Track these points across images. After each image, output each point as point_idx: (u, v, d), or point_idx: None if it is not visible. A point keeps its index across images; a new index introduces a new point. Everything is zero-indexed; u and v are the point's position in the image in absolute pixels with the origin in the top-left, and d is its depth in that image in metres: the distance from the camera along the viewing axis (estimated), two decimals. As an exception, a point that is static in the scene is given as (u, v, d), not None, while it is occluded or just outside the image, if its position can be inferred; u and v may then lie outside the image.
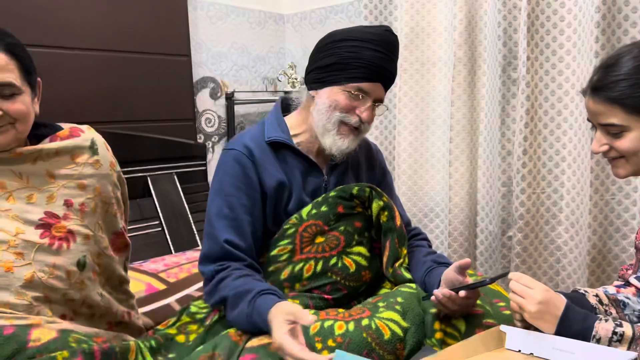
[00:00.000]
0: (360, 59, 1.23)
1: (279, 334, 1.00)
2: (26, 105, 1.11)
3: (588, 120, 1.09)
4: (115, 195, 1.28)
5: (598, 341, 0.96)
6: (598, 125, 1.04)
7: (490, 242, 2.18)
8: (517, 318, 1.08)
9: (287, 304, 1.08)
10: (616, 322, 0.97)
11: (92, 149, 1.24)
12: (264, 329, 1.07)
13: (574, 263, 1.95)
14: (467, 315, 1.17)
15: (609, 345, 0.95)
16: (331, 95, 1.26)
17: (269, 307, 1.07)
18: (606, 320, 0.97)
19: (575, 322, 0.98)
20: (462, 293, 1.10)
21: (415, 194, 2.38)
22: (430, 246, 1.45)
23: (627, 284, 1.21)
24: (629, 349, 0.94)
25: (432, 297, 1.14)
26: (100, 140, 1.27)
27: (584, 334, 0.97)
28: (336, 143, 1.26)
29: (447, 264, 1.27)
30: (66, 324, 1.10)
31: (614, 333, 0.95)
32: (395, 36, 1.30)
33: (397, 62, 1.31)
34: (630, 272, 1.23)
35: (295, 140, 1.32)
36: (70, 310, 1.15)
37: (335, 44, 1.27)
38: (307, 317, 0.99)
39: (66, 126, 1.24)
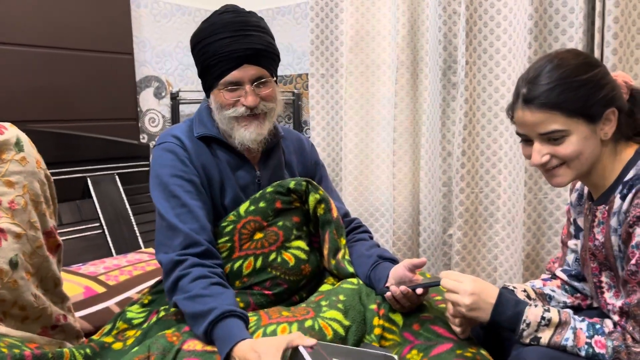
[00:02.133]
0: (213, 56, 1.22)
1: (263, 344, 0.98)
2: None
3: (517, 134, 1.09)
4: (43, 194, 1.24)
5: (528, 325, 1.01)
6: (537, 136, 1.04)
7: (433, 240, 2.24)
8: (455, 323, 1.11)
9: (259, 342, 1.03)
10: (545, 308, 1.03)
11: (18, 145, 1.20)
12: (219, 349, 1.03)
13: (510, 259, 2.03)
14: (405, 313, 1.21)
15: (537, 330, 1.01)
16: (215, 99, 1.27)
17: (236, 339, 1.02)
18: (536, 306, 1.03)
19: (508, 308, 1.03)
20: (419, 291, 1.14)
21: (361, 194, 2.42)
22: (371, 238, 1.46)
23: (554, 276, 1.28)
24: (554, 333, 1.00)
25: (388, 293, 1.17)
26: (25, 138, 1.23)
27: (516, 318, 1.02)
28: (244, 136, 1.25)
29: (391, 259, 1.30)
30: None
31: (542, 318, 1.01)
32: (236, 12, 1.26)
33: (256, 31, 1.25)
34: (556, 264, 1.30)
35: (224, 136, 1.31)
36: (0, 311, 1.11)
37: (194, 50, 1.28)
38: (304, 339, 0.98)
39: None
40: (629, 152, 1.06)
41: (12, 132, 1.20)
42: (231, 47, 1.21)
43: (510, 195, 2.01)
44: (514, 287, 1.23)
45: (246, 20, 1.25)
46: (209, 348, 1.04)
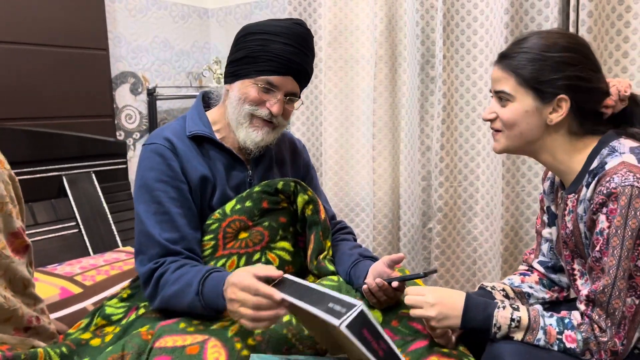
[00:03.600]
0: (268, 52, 1.23)
1: (238, 274, 1.02)
2: None
3: (490, 91, 1.14)
4: (8, 194, 1.21)
5: (499, 329, 1.02)
6: (494, 92, 1.10)
7: (413, 235, 2.25)
8: (436, 335, 1.11)
9: (252, 266, 1.08)
10: (513, 306, 1.03)
11: None
12: (220, 307, 1.06)
13: (489, 252, 2.05)
14: (383, 310, 1.21)
15: (508, 332, 1.01)
16: (242, 89, 1.25)
17: (222, 278, 1.06)
18: (504, 308, 1.03)
19: (477, 313, 1.04)
20: (394, 284, 1.15)
21: (341, 189, 2.42)
22: (355, 240, 1.48)
23: (531, 269, 1.29)
24: (525, 334, 1.01)
25: (364, 286, 1.18)
26: None
27: (487, 321, 1.03)
28: (249, 136, 1.26)
29: (372, 258, 1.31)
30: None
31: (512, 320, 1.02)
32: (307, 30, 1.29)
33: (311, 55, 1.30)
34: (532, 256, 1.31)
35: (218, 135, 1.30)
36: None
37: (247, 37, 1.26)
38: (277, 272, 1.02)
39: None
40: (593, 143, 1.07)
41: None
42: (290, 55, 1.23)
43: (489, 189, 2.03)
44: (493, 287, 1.24)
45: (310, 42, 1.29)
46: (179, 343, 1.03)
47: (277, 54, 1.23)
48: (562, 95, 1.03)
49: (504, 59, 1.08)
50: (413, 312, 1.07)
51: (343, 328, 0.82)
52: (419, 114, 2.12)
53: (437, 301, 1.05)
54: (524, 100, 1.05)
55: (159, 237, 1.19)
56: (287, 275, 1.02)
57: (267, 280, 1.01)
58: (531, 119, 1.05)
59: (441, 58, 1.99)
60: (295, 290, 0.97)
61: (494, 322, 1.02)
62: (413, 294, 1.08)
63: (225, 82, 1.31)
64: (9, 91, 2.07)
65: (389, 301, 1.20)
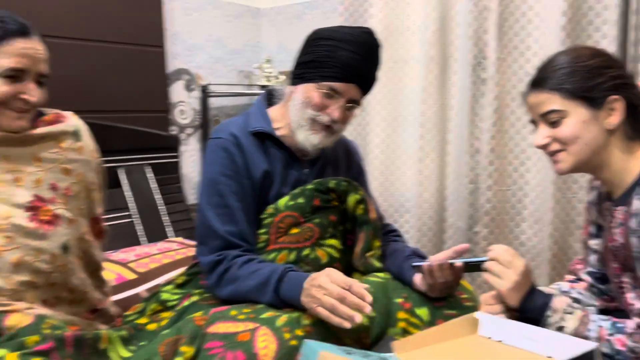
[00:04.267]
0: (334, 59, 1.24)
1: (331, 270, 1.08)
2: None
3: (531, 122, 1.14)
4: (96, 182, 1.30)
5: (554, 312, 1.03)
6: (539, 117, 1.09)
7: (458, 238, 2.23)
8: (485, 298, 1.12)
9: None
10: (570, 301, 1.04)
11: (76, 135, 1.26)
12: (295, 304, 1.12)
13: (536, 259, 2.02)
14: (431, 307, 1.22)
15: (562, 318, 1.02)
16: (305, 92, 1.28)
17: (302, 278, 1.12)
18: (561, 298, 1.04)
19: (538, 298, 1.06)
20: (457, 263, 1.15)
21: (386, 190, 2.42)
22: (404, 242, 1.49)
23: (579, 278, 1.27)
24: (579, 324, 1.01)
25: (425, 263, 1.19)
26: (84, 128, 1.29)
27: (543, 307, 1.04)
28: (308, 139, 1.29)
29: (424, 257, 1.31)
30: (44, 310, 1.11)
31: (569, 305, 1.03)
32: (375, 39, 1.30)
33: (377, 65, 1.31)
34: (579, 266, 1.29)
35: (278, 133, 1.34)
36: (52, 295, 1.16)
37: (316, 42, 1.29)
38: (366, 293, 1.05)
39: (50, 111, 1.26)
40: None
41: (72, 121, 1.26)
42: (356, 63, 1.25)
43: (539, 194, 1.99)
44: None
45: (377, 51, 1.31)
46: (231, 330, 1.07)
47: (343, 61, 1.24)
48: (613, 96, 1.02)
49: (540, 82, 1.08)
50: (497, 269, 1.07)
51: None
52: (469, 116, 2.11)
53: (525, 272, 1.05)
54: (577, 112, 1.04)
55: (219, 230, 1.24)
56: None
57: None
58: (591, 127, 1.04)
59: (494, 60, 1.97)
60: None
61: (550, 304, 1.03)
62: (509, 254, 1.07)
63: (290, 84, 1.34)
64: (71, 85, 2.17)
65: (444, 287, 1.20)
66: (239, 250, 1.25)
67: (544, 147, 1.09)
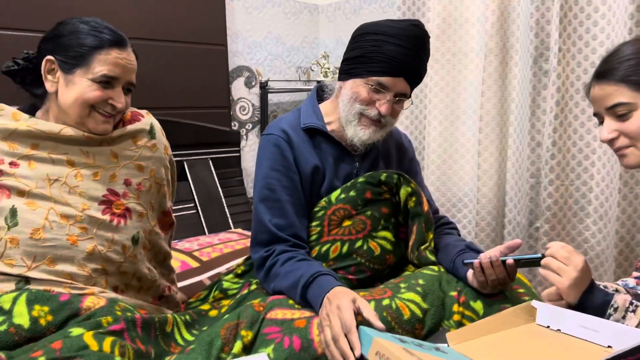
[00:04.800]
0: (381, 53, 1.25)
1: (344, 299, 1.03)
2: None
3: (594, 115, 1.10)
4: (166, 177, 1.37)
5: (616, 310, 0.99)
6: (605, 111, 1.05)
7: (518, 233, 2.19)
8: (548, 293, 1.09)
9: (355, 294, 1.09)
10: (633, 299, 1.00)
11: (151, 133, 1.33)
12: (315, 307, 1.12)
13: (601, 256, 1.95)
14: (486, 300, 1.21)
15: (624, 317, 0.98)
16: (353, 87, 1.30)
17: (328, 286, 1.10)
18: (624, 294, 1.01)
19: (598, 296, 1.02)
20: (509, 261, 1.13)
21: (444, 184, 2.40)
22: (459, 235, 1.48)
23: (646, 276, 1.23)
24: None
25: (476, 261, 1.16)
26: (157, 125, 1.36)
27: (604, 305, 1.01)
28: (357, 133, 1.31)
29: (478, 251, 1.30)
30: (115, 295, 1.19)
31: (631, 303, 0.99)
32: (423, 31, 1.29)
33: (425, 57, 1.31)
34: (647, 263, 1.24)
35: (329, 127, 1.37)
36: (122, 282, 1.24)
37: (362, 37, 1.30)
38: (376, 319, 1.01)
39: (127, 110, 1.33)
40: None
41: (147, 119, 1.34)
42: (403, 57, 1.25)
43: (604, 189, 1.92)
44: (605, 286, 1.19)
45: (425, 43, 1.30)
46: (288, 316, 1.11)
47: (390, 55, 1.25)
48: None
49: (605, 74, 1.04)
50: (550, 262, 1.03)
51: None
52: (530, 109, 2.05)
53: (583, 268, 1.01)
54: None
55: (268, 223, 1.28)
56: (366, 331, 1.00)
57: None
58: None
59: (556, 51, 1.91)
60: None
61: (612, 302, 1.00)
62: (564, 249, 1.04)
63: (339, 79, 1.36)
64: (140, 82, 2.27)
65: (497, 284, 1.18)
66: (286, 245, 1.28)
67: (610, 142, 1.05)
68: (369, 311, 1.03)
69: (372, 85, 1.27)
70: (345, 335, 0.99)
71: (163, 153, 1.35)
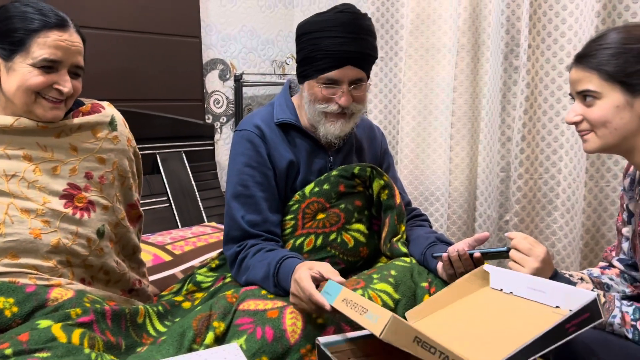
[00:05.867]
0: (321, 50, 1.25)
1: (301, 271, 1.09)
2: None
3: (569, 94, 1.12)
4: (131, 169, 1.35)
5: None
6: (576, 94, 1.07)
7: (488, 226, 2.23)
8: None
9: (316, 262, 1.15)
10: (594, 287, 1.04)
11: (112, 125, 1.30)
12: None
13: (568, 247, 2.00)
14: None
15: None
16: (309, 90, 1.31)
17: (292, 267, 1.14)
18: (586, 283, 1.04)
19: (561, 282, 1.05)
20: (476, 255, 1.17)
21: (416, 178, 2.43)
22: (430, 227, 1.50)
23: (611, 265, 1.27)
24: (602, 310, 1.01)
25: (444, 254, 1.20)
26: (119, 117, 1.33)
27: None
28: (328, 130, 1.31)
29: (448, 243, 1.33)
30: (83, 287, 1.18)
31: (592, 291, 1.02)
32: (353, 13, 1.28)
33: (366, 35, 1.28)
34: (613, 253, 1.28)
35: (302, 122, 1.37)
36: (89, 275, 1.22)
37: (301, 38, 1.31)
38: (337, 276, 1.07)
39: (87, 101, 1.30)
40: None
41: (108, 111, 1.31)
42: (340, 47, 1.25)
43: (571, 183, 1.97)
44: (570, 275, 1.23)
45: (360, 24, 1.28)
46: (260, 307, 1.12)
47: (329, 50, 1.25)
48: None
49: (583, 58, 1.05)
50: (514, 255, 1.08)
51: (384, 337, 0.85)
52: (501, 104, 2.09)
53: (545, 259, 1.06)
54: (612, 96, 1.02)
55: (240, 220, 1.29)
56: (330, 282, 1.06)
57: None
58: (623, 113, 1.02)
59: (526, 47, 1.95)
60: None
61: None
62: (528, 242, 1.08)
63: (299, 82, 1.37)
64: (111, 74, 2.25)
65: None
66: (258, 239, 1.28)
67: (574, 124, 1.08)
68: (327, 271, 1.08)
69: (323, 83, 1.28)
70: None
71: (126, 145, 1.33)
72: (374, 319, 0.85)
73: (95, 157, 1.25)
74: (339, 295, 0.98)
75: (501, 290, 1.07)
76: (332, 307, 1.00)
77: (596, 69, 1.03)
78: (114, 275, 1.28)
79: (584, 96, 1.05)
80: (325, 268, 1.10)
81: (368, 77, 1.33)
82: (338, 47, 1.25)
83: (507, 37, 2.04)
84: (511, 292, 1.04)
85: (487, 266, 1.10)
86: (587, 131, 1.07)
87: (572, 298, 0.91)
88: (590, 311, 0.84)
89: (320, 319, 1.10)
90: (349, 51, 1.25)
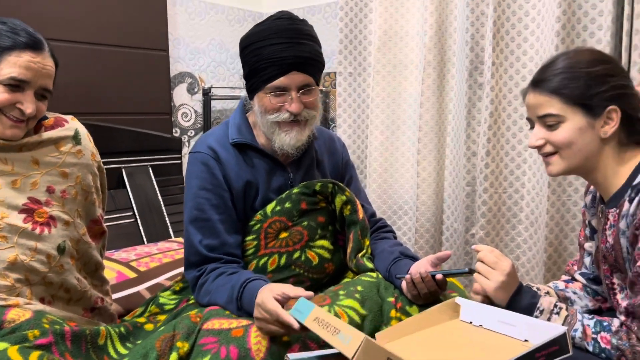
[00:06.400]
0: (263, 60, 1.25)
1: (263, 294, 1.08)
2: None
3: (527, 119, 1.14)
4: (94, 184, 1.32)
5: (541, 312, 1.05)
6: (536, 118, 1.09)
7: (455, 240, 2.26)
8: (477, 290, 1.14)
9: (278, 284, 1.13)
10: (557, 299, 1.07)
11: (76, 139, 1.28)
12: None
13: (532, 260, 2.04)
14: (421, 305, 1.24)
15: (549, 318, 1.05)
16: (259, 102, 1.29)
17: (256, 289, 1.12)
18: (550, 296, 1.07)
19: (525, 298, 1.08)
20: (438, 276, 1.17)
21: (385, 192, 2.45)
22: (395, 238, 1.50)
23: (574, 279, 1.30)
24: (564, 323, 1.04)
25: (407, 276, 1.20)
26: (83, 131, 1.31)
27: (531, 307, 1.07)
28: (284, 141, 1.28)
29: (413, 257, 1.33)
30: (42, 306, 1.14)
31: (555, 305, 1.05)
32: (289, 18, 1.28)
33: (307, 39, 1.27)
34: (575, 267, 1.31)
35: (258, 140, 1.35)
36: (49, 294, 1.19)
37: (244, 52, 1.30)
38: (303, 291, 1.06)
39: (51, 115, 1.28)
40: (637, 156, 1.07)
41: (71, 125, 1.29)
42: (282, 53, 1.23)
43: (534, 197, 2.02)
44: (538, 288, 1.25)
45: (299, 28, 1.27)
46: (225, 326, 1.10)
47: (271, 58, 1.24)
48: (612, 106, 1.03)
49: (541, 83, 1.07)
50: (482, 269, 1.10)
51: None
52: (466, 120, 2.13)
53: (510, 272, 1.07)
54: (574, 119, 1.05)
55: (198, 245, 1.26)
56: (302, 300, 1.05)
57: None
58: (586, 135, 1.05)
59: (490, 65, 2.00)
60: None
61: (538, 304, 1.06)
62: (494, 255, 1.10)
63: (249, 98, 1.34)
64: (77, 87, 2.22)
65: (429, 296, 1.22)
66: (219, 263, 1.26)
67: (537, 147, 1.10)
68: (291, 290, 1.08)
69: (271, 92, 1.26)
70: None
71: (90, 159, 1.31)
72: (346, 340, 0.85)
73: (58, 171, 1.22)
74: (311, 313, 0.98)
75: (471, 322, 1.08)
76: (302, 326, 0.99)
77: (557, 93, 1.05)
78: (75, 293, 1.25)
79: (546, 120, 1.07)
80: (287, 288, 1.09)
81: (317, 83, 1.32)
82: (280, 53, 1.23)
83: (472, 54, 2.09)
84: (481, 325, 1.05)
85: (458, 298, 1.11)
86: (551, 154, 1.09)
87: (541, 332, 0.93)
88: (559, 344, 0.87)
89: (287, 336, 1.09)
90: (291, 56, 1.24)
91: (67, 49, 2.18)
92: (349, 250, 1.36)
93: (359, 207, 1.36)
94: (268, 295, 1.07)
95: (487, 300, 1.13)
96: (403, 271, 1.26)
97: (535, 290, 1.24)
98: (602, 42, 1.79)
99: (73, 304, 1.25)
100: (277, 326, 1.05)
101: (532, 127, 1.13)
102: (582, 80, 1.04)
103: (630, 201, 1.02)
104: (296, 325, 1.00)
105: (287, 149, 1.30)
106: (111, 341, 1.15)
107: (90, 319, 1.29)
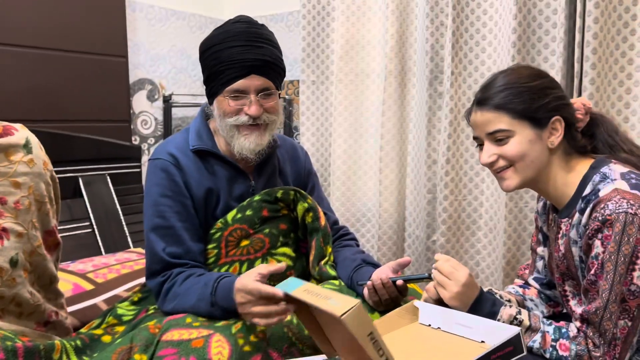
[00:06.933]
0: (222, 63, 1.24)
1: (242, 278, 1.09)
2: None
3: (474, 138, 1.16)
4: (48, 194, 1.27)
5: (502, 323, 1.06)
6: (486, 135, 1.11)
7: (417, 246, 2.29)
8: (431, 295, 1.15)
9: (251, 270, 1.14)
10: (518, 309, 1.09)
11: (27, 147, 1.23)
12: (235, 309, 1.12)
13: (491, 266, 2.08)
14: (383, 312, 1.25)
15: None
16: (218, 105, 1.28)
17: (231, 283, 1.12)
18: (510, 307, 1.08)
19: (485, 307, 1.09)
20: (399, 282, 1.19)
21: (348, 200, 2.47)
22: (358, 245, 1.51)
23: (527, 285, 1.33)
24: (524, 335, 1.05)
25: (369, 282, 1.21)
26: (34, 140, 1.26)
27: (491, 316, 1.08)
28: (243, 145, 1.27)
29: (375, 264, 1.34)
30: None
31: (515, 318, 1.07)
32: (247, 22, 1.28)
33: (265, 43, 1.27)
34: (527, 271, 1.34)
35: (219, 147, 1.33)
36: None
37: (202, 56, 1.30)
38: (277, 265, 1.10)
39: None
40: (583, 165, 1.10)
41: (22, 133, 1.23)
42: (241, 56, 1.23)
43: (492, 203, 2.06)
44: (501, 296, 1.27)
45: (258, 32, 1.27)
46: (185, 337, 1.08)
47: (229, 60, 1.23)
48: (556, 116, 1.08)
49: (486, 101, 1.10)
50: (436, 276, 1.11)
51: (344, 318, 0.86)
52: (427, 128, 2.17)
53: (466, 282, 1.09)
54: (524, 132, 1.07)
55: (161, 253, 1.24)
56: (292, 278, 1.07)
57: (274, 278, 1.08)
58: (536, 146, 1.08)
59: (449, 74, 2.04)
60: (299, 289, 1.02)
61: (497, 317, 1.07)
62: (450, 265, 1.11)
63: (209, 103, 1.33)
64: (31, 93, 2.15)
65: (390, 302, 1.23)
66: (184, 267, 1.24)
67: (490, 164, 1.12)
68: (264, 268, 1.11)
69: (230, 95, 1.25)
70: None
71: (42, 168, 1.26)
72: (338, 303, 0.84)
73: (10, 181, 1.17)
74: (302, 286, 0.97)
75: (429, 325, 1.10)
76: (290, 298, 0.99)
77: (503, 109, 1.08)
78: (27, 307, 1.20)
79: (496, 136, 1.09)
80: (260, 268, 1.11)
81: (278, 88, 1.32)
82: (238, 55, 1.23)
83: (432, 64, 2.13)
84: (439, 328, 1.08)
85: (417, 302, 1.13)
86: (504, 168, 1.11)
87: (496, 333, 0.96)
88: (513, 345, 0.90)
89: (248, 346, 1.08)
90: (250, 59, 1.24)
91: (21, 53, 2.11)
92: (311, 258, 1.36)
93: (321, 214, 1.36)
94: (247, 279, 1.08)
95: (441, 302, 1.15)
96: (365, 278, 1.27)
97: (496, 298, 1.26)
98: (556, 54, 1.86)
99: (25, 318, 1.20)
100: (261, 304, 1.05)
101: (479, 145, 1.15)
102: (526, 94, 1.07)
103: (581, 212, 1.05)
104: (280, 293, 1.01)
105: (247, 154, 1.28)
106: (67, 355, 1.11)
107: (44, 333, 1.24)
